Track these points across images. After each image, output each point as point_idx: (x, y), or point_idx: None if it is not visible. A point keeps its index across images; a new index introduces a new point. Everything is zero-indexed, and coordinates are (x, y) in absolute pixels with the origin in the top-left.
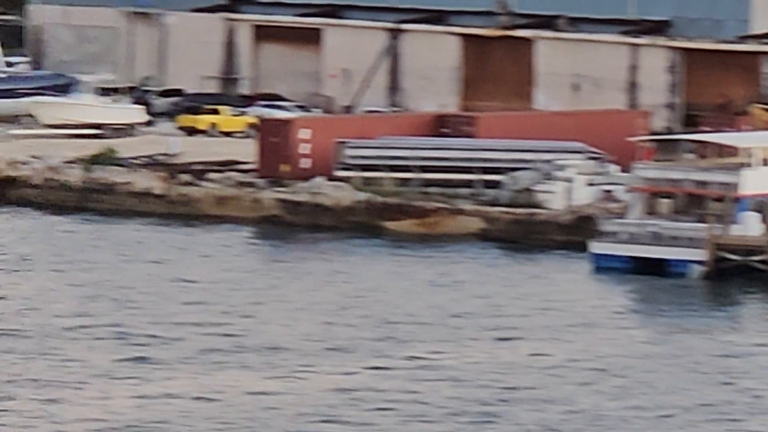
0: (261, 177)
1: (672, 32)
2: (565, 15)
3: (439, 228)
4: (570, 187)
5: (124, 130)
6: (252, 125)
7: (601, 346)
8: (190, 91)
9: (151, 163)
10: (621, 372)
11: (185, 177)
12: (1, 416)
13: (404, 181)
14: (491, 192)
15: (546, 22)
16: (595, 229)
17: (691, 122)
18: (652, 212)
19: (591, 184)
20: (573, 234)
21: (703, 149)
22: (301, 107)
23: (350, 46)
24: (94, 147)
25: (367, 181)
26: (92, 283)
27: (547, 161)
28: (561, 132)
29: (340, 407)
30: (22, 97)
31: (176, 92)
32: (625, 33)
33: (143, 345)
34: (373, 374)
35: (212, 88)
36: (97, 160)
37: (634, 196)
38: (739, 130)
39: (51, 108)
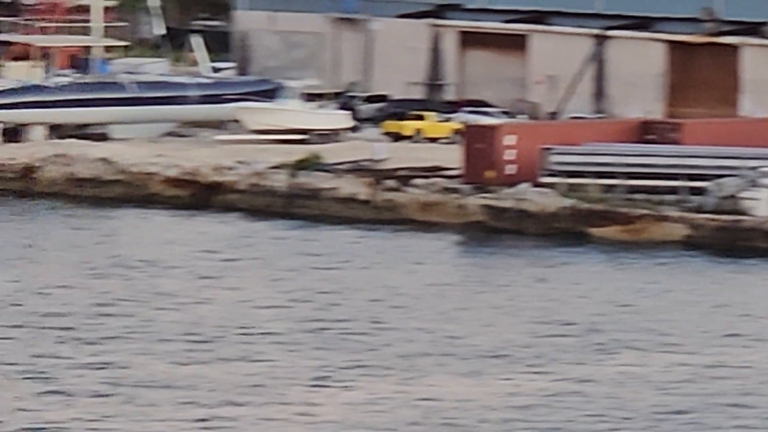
0: (466, 183)
1: None
2: None
3: (644, 234)
4: None
5: (330, 136)
6: (457, 131)
7: None
8: (396, 96)
9: (357, 169)
10: None
11: (390, 183)
12: (209, 421)
13: (609, 188)
14: (696, 198)
15: (752, 29)
16: None
17: None
18: None
19: None
20: None
21: None
22: (506, 113)
23: (556, 53)
24: (299, 152)
25: (572, 188)
26: (298, 289)
27: (753, 168)
28: (767, 139)
29: (545, 413)
30: (228, 102)
31: (381, 98)
32: None
33: (349, 350)
34: (578, 380)
35: (418, 93)
36: (302, 165)
37: None
38: None
39: (256, 113)
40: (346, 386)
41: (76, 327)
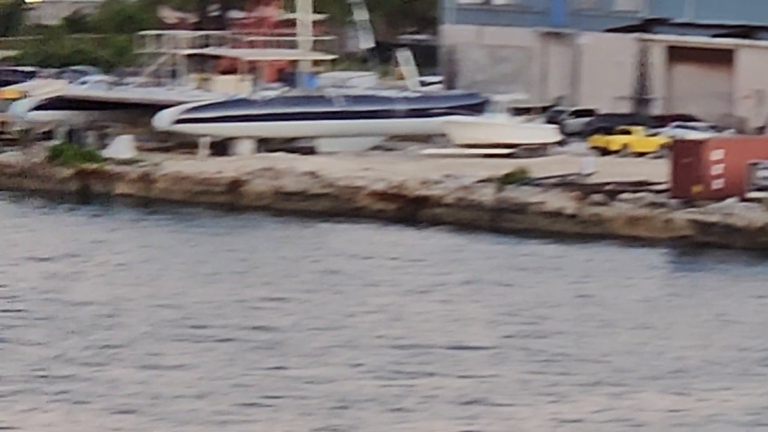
0: (673, 197)
1: None
2: None
3: None
4: None
5: (537, 150)
6: (664, 146)
7: None
8: (603, 111)
9: (564, 183)
10: None
11: (597, 197)
12: None
13: None
14: None
15: None
16: None
17: None
18: None
19: None
20: None
21: None
22: (713, 128)
23: (764, 67)
24: (506, 166)
25: None
26: (505, 303)
27: None
28: None
29: (754, 428)
30: (436, 116)
31: (589, 112)
32: None
33: (557, 365)
34: None
35: (625, 108)
36: (509, 179)
37: None
38: None
39: (464, 127)
40: (553, 401)
41: (285, 340)
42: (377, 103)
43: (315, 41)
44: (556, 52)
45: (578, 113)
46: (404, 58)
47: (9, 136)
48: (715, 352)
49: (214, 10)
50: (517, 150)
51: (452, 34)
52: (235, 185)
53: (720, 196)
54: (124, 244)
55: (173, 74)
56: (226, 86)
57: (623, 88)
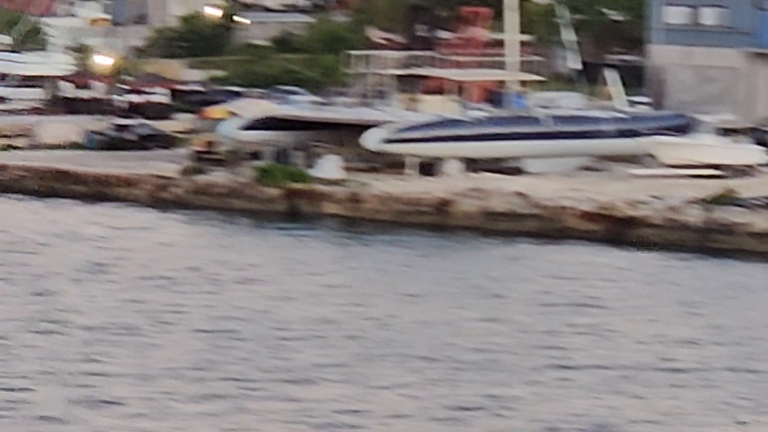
0: None
1: None
2: None
3: None
4: None
5: (744, 171)
6: None
7: None
8: None
9: None
10: None
11: None
12: None
13: None
14: None
15: None
16: None
17: None
18: None
19: None
20: None
21: None
22: None
23: None
24: (714, 187)
25: None
26: (711, 325)
27: None
28: None
29: None
30: (643, 136)
31: None
32: None
33: (764, 385)
34: None
35: None
36: (717, 200)
37: None
38: None
39: (671, 148)
40: (763, 423)
41: (494, 360)
42: (585, 124)
43: (522, 62)
44: (764, 72)
45: None
46: (611, 78)
47: (217, 156)
48: None
49: (421, 31)
50: (724, 170)
51: (659, 54)
52: (442, 205)
53: None
54: (332, 264)
55: (381, 94)
56: (433, 106)
57: None
